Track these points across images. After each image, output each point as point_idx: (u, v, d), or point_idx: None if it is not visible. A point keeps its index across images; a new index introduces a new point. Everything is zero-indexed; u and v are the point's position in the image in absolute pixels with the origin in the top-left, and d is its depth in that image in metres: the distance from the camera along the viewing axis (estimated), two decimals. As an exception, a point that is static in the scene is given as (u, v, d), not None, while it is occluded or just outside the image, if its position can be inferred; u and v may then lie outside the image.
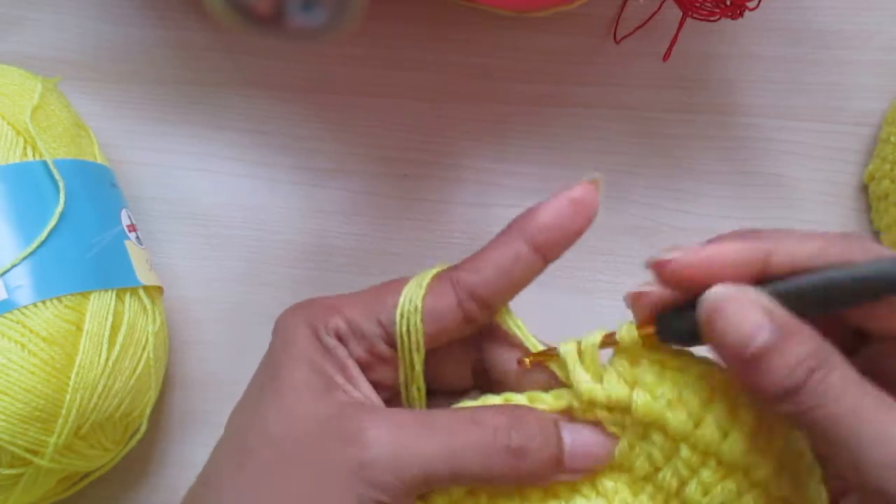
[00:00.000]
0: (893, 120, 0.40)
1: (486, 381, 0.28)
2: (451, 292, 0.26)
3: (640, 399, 0.25)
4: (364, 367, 0.27)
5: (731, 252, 0.23)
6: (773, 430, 0.24)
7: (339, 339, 0.26)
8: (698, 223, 0.41)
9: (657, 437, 0.25)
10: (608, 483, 0.26)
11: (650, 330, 0.25)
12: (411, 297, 0.26)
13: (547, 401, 0.26)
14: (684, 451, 0.24)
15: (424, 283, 0.26)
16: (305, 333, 0.26)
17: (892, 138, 0.40)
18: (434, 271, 0.27)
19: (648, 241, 0.41)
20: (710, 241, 0.24)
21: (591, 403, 0.25)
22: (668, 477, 0.25)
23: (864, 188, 0.42)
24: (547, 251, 0.26)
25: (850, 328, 0.24)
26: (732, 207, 0.42)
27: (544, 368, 0.27)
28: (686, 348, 0.25)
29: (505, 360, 0.27)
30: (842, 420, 0.21)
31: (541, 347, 0.27)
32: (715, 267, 0.23)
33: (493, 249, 0.26)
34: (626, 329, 0.25)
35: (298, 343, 0.26)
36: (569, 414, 0.26)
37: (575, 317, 0.41)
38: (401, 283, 0.27)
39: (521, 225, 0.26)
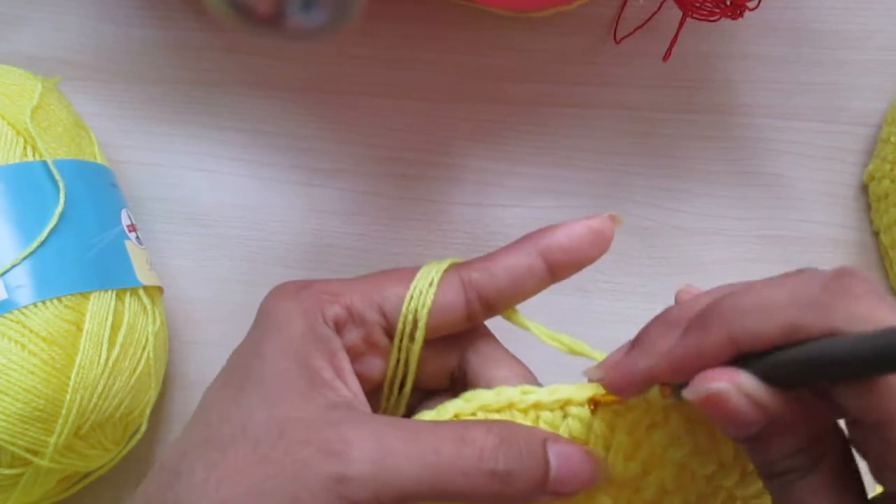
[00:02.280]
0: (893, 120, 0.40)
1: (463, 386, 0.28)
2: (461, 291, 0.26)
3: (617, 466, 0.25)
4: (353, 356, 0.26)
5: (695, 353, 0.22)
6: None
7: (337, 327, 0.26)
8: (698, 223, 0.42)
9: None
10: (605, 499, 0.26)
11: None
12: (421, 290, 0.26)
13: (542, 395, 0.25)
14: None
15: (436, 280, 0.26)
16: (299, 323, 0.25)
17: (892, 138, 0.40)
18: (444, 266, 0.27)
19: (648, 241, 0.41)
20: (661, 331, 0.23)
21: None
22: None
23: (864, 188, 0.42)
24: (558, 270, 0.26)
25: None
26: (732, 207, 0.42)
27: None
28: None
29: (486, 374, 0.27)
30: None
31: (565, 340, 0.27)
32: (684, 369, 0.22)
33: (508, 256, 0.27)
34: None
35: (290, 332, 0.25)
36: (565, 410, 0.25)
37: (575, 317, 0.41)
38: (403, 273, 0.27)
39: (539, 239, 0.27)
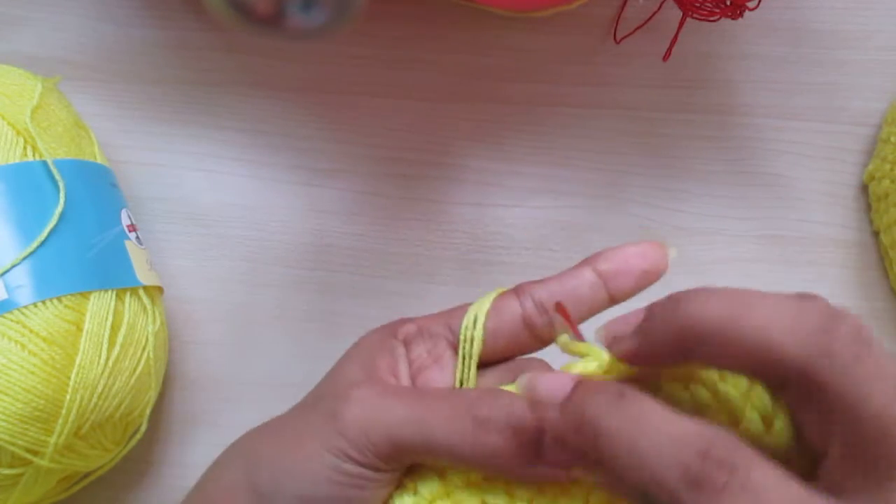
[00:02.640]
0: (893, 120, 0.40)
1: None
2: (515, 298, 0.27)
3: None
4: (418, 368, 0.28)
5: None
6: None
7: (406, 342, 0.28)
8: (698, 223, 0.42)
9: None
10: None
11: None
12: (479, 303, 0.28)
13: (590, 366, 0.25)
14: None
15: (493, 294, 0.28)
16: (375, 339, 0.28)
17: (892, 138, 0.40)
18: (499, 290, 0.28)
19: (648, 241, 0.41)
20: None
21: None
22: None
23: (864, 188, 0.42)
24: (612, 284, 0.27)
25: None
26: (732, 207, 0.42)
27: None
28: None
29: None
30: None
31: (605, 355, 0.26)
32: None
33: (560, 274, 0.28)
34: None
35: (363, 346, 0.28)
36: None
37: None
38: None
39: (588, 259, 0.28)
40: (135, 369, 0.34)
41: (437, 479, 0.25)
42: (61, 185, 0.34)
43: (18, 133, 0.35)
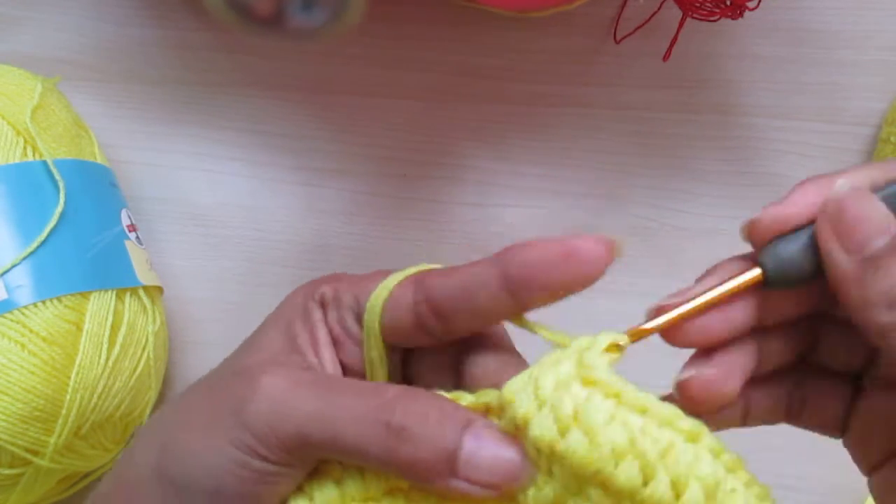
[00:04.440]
0: (893, 120, 0.40)
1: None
2: (411, 291, 0.24)
3: (578, 446, 0.20)
4: (336, 343, 0.26)
5: (817, 191, 0.23)
6: (728, 485, 0.21)
7: (322, 305, 0.26)
8: (698, 223, 0.41)
9: (595, 494, 0.21)
10: None
11: (757, 274, 0.23)
12: (385, 285, 0.25)
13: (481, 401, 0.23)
14: None
15: (401, 276, 0.25)
16: (297, 300, 0.26)
17: (892, 138, 0.40)
18: (421, 267, 0.26)
19: (648, 242, 0.41)
20: (788, 193, 0.24)
21: (519, 430, 0.22)
22: None
23: (865, 188, 0.42)
24: (519, 291, 0.23)
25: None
26: (732, 207, 0.42)
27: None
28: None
29: (482, 372, 0.25)
30: None
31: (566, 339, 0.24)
32: (806, 210, 0.23)
33: (470, 266, 0.24)
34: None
35: (287, 306, 0.27)
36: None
37: (575, 317, 0.40)
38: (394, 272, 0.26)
39: (505, 253, 0.23)
40: (135, 369, 0.34)
41: (334, 486, 0.23)
42: (61, 185, 0.34)
43: (18, 133, 0.35)
